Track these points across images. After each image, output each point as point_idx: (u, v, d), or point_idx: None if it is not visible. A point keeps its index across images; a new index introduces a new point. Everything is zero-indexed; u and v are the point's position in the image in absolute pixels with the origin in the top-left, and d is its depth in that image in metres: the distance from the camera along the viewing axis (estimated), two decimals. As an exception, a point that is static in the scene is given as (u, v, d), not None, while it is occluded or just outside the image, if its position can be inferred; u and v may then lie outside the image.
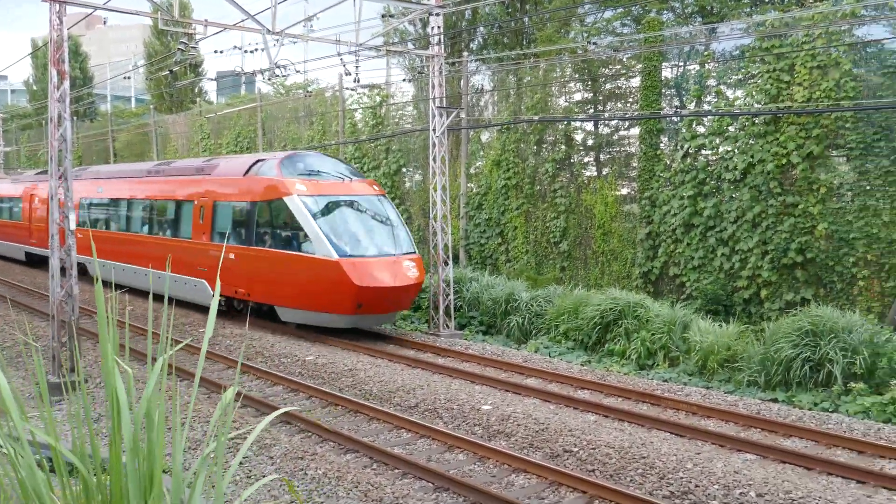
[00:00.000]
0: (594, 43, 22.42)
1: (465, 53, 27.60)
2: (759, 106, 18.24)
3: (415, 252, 17.83)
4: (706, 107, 20.23)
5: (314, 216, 16.87)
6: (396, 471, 9.94)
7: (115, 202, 25.15)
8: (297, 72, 21.48)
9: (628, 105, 22.73)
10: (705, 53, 20.81)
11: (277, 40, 19.37)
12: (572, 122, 23.16)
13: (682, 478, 9.21)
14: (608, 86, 23.34)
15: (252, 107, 35.01)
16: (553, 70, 24.17)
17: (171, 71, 27.46)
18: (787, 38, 18.07)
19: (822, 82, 17.17)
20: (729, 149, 18.87)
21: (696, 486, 9.02)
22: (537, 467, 9.73)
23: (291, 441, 10.84)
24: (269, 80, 27.49)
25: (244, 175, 19.00)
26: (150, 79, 49.04)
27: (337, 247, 16.43)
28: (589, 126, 23.76)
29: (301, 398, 13.30)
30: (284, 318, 18.04)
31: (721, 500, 8.68)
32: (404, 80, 29.11)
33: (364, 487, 9.15)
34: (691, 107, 20.43)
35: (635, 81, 22.13)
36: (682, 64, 21.62)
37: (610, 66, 23.29)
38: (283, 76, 19.63)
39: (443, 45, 20.00)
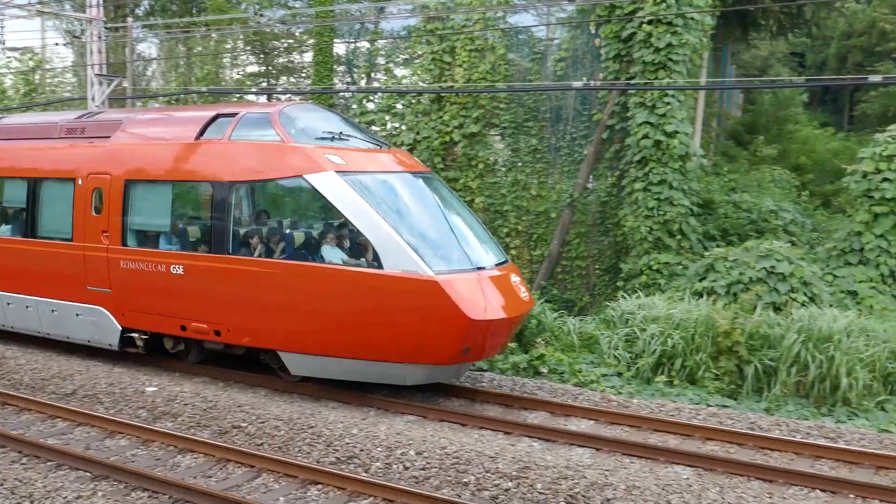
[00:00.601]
0: (262, 14, 22.20)
1: (130, 19, 26.06)
2: (425, 85, 19.17)
3: (507, 259, 12.06)
4: (376, 84, 20.89)
5: (375, 207, 10.65)
6: (50, 463, 9.29)
7: None
8: (-72, 28, 19.14)
9: (301, 79, 22.84)
10: (374, 31, 21.45)
11: None
12: (244, 95, 22.84)
13: (347, 443, 9.50)
14: (281, 60, 23.28)
15: None
16: (225, 41, 23.61)
17: None
18: (448, 21, 19.12)
19: (479, 65, 18.40)
20: (397, 125, 19.65)
21: (361, 450, 9.36)
22: (205, 445, 9.54)
23: (-78, 442, 9.70)
24: None
25: (197, 139, 12.11)
26: None
27: (426, 258, 10.39)
28: (262, 99, 23.56)
29: (-65, 394, 11.92)
30: (297, 372, 11.56)
31: (383, 460, 9.08)
32: (57, 44, 26.86)
33: (11, 484, 8.43)
34: (362, 83, 20.98)
35: (308, 56, 22.30)
36: (353, 41, 22.10)
37: (283, 40, 23.23)
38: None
39: (101, 8, 18.76)
